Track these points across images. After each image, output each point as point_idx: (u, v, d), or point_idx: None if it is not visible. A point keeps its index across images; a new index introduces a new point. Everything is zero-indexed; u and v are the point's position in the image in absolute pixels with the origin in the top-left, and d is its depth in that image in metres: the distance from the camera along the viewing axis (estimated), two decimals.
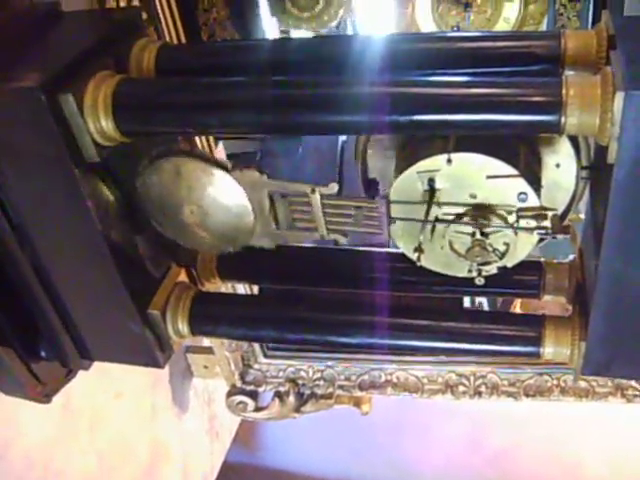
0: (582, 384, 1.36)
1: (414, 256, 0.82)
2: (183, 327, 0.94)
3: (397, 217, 0.82)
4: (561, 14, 1.22)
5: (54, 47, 0.83)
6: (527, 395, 1.39)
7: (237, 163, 0.82)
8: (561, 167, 0.83)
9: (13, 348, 0.96)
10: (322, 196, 0.81)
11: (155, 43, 0.85)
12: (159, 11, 1.07)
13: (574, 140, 0.82)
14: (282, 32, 1.50)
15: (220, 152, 1.27)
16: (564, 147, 0.82)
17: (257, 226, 0.86)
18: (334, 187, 0.80)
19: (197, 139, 1.19)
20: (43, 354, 1.00)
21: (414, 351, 0.92)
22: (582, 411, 1.65)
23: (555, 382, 1.37)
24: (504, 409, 1.78)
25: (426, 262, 0.86)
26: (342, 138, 2.33)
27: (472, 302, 1.65)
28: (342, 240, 0.86)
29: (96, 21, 0.90)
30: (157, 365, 0.97)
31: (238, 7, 1.26)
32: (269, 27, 1.30)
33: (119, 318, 0.93)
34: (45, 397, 1.03)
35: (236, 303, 1.00)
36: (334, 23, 1.31)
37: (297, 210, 0.84)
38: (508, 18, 1.19)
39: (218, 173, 0.83)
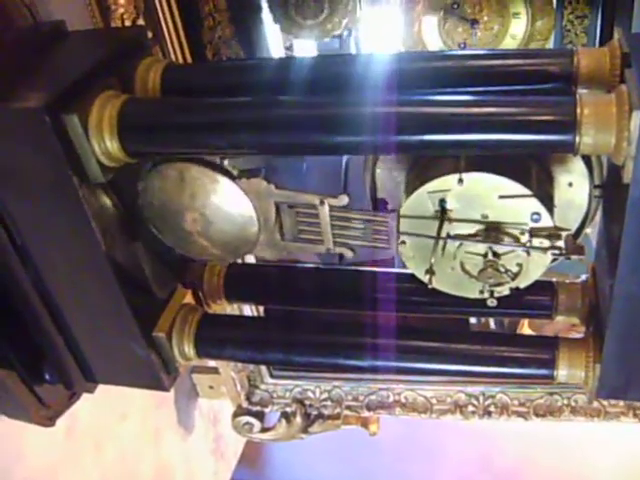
0: (594, 404, 1.33)
1: (425, 278, 0.80)
2: (189, 350, 0.93)
3: (407, 232, 0.80)
4: (568, 30, 1.21)
5: (58, 67, 0.82)
6: (537, 415, 1.36)
7: (244, 171, 0.80)
8: (574, 186, 0.82)
9: (16, 371, 0.95)
10: (331, 208, 0.79)
11: (161, 62, 0.84)
12: (164, 29, 1.07)
13: (587, 159, 0.80)
14: (287, 48, 1.49)
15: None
16: (577, 166, 0.81)
17: (261, 236, 0.84)
18: (344, 199, 0.79)
19: None
20: (47, 377, 0.99)
21: (424, 374, 0.90)
22: (594, 429, 1.63)
23: (566, 402, 1.35)
24: (515, 427, 1.75)
25: (437, 283, 0.85)
26: (347, 155, 2.32)
27: (479, 321, 1.63)
28: (349, 254, 0.84)
29: (101, 40, 0.89)
30: (162, 388, 0.96)
31: (243, 25, 1.25)
32: (274, 44, 1.29)
33: (123, 341, 0.92)
34: (49, 420, 1.02)
35: (243, 326, 0.98)
36: (338, 32, 1.30)
37: (304, 222, 0.82)
38: (515, 35, 1.18)
39: (224, 181, 0.81)
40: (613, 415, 1.33)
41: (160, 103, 0.80)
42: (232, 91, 0.80)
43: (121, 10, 1.01)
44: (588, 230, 0.90)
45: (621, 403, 1.33)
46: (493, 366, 0.86)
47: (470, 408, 1.39)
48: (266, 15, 1.28)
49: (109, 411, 1.27)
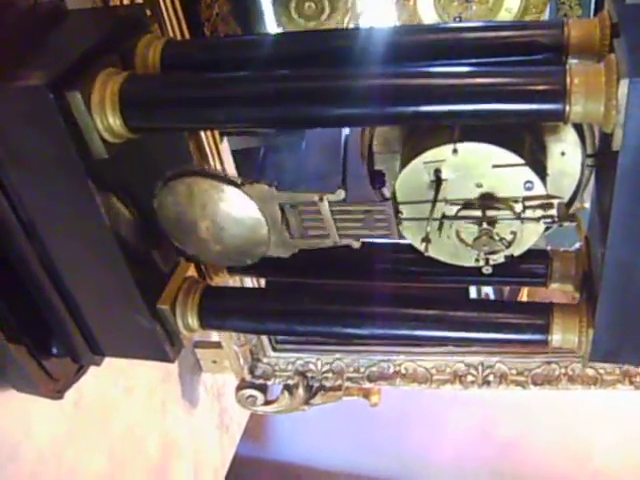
0: (590, 372, 1.36)
1: (422, 247, 0.82)
2: (193, 321, 0.95)
3: (405, 218, 0.82)
4: (563, 2, 1.22)
5: (60, 45, 0.84)
6: (535, 384, 1.39)
7: (247, 178, 0.84)
8: (566, 155, 0.84)
9: (25, 345, 0.97)
10: (330, 203, 0.82)
11: (160, 39, 0.86)
12: (162, 8, 1.08)
13: (579, 128, 0.82)
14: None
15: (225, 148, 1.27)
16: (569, 135, 0.83)
17: (271, 237, 0.88)
18: (341, 193, 0.81)
19: (203, 135, 1.20)
20: (54, 350, 1.01)
21: (422, 341, 0.93)
22: (593, 399, 1.66)
23: (563, 370, 1.37)
24: (514, 399, 1.77)
25: (433, 252, 0.87)
26: (345, 132, 2.34)
27: (479, 293, 1.65)
28: (355, 244, 0.87)
29: (101, 19, 0.90)
30: (167, 360, 0.98)
31: (241, 2, 1.26)
32: (271, 21, 1.30)
33: (129, 313, 0.94)
34: (57, 393, 1.04)
35: (245, 297, 1.01)
36: None
37: (308, 218, 0.86)
38: (510, 8, 1.19)
39: (229, 189, 0.85)
40: (609, 383, 1.36)
41: (160, 79, 0.82)
42: (230, 66, 0.82)
43: None
44: (586, 205, 0.92)
45: (617, 371, 1.35)
46: (489, 332, 0.88)
47: (469, 378, 1.41)
48: None
49: (115, 385, 1.30)
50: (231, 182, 0.84)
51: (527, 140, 0.80)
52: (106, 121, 0.77)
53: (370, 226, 0.83)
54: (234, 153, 1.47)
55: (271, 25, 1.32)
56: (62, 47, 0.83)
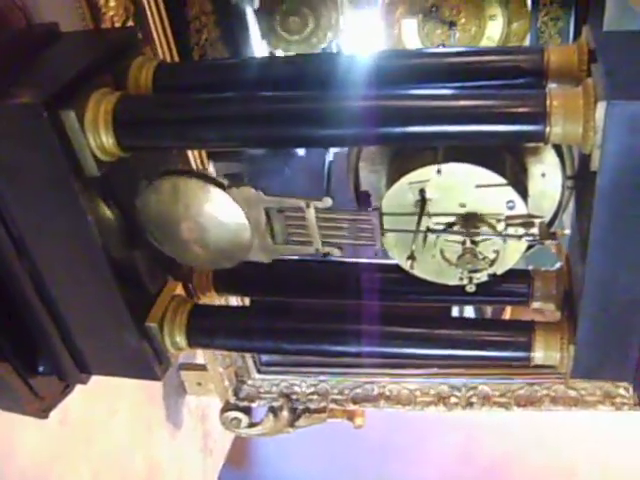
0: (571, 393, 1.38)
1: (407, 264, 0.84)
2: (180, 339, 0.96)
3: (390, 229, 0.84)
4: (543, 32, 1.26)
5: (54, 65, 0.86)
6: (518, 405, 1.41)
7: (234, 181, 0.84)
8: (547, 177, 0.86)
9: (10, 363, 0.96)
10: (317, 210, 0.83)
11: (152, 61, 0.87)
12: (153, 32, 1.10)
13: (559, 150, 0.85)
14: (271, 53, 1.53)
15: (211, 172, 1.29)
16: (549, 157, 0.85)
17: (254, 241, 0.88)
18: (328, 201, 0.83)
19: (191, 158, 1.22)
20: (41, 369, 1.01)
21: (406, 359, 0.94)
22: (574, 419, 1.67)
23: (545, 392, 1.39)
24: (496, 420, 1.79)
25: (418, 271, 0.89)
26: (329, 158, 2.37)
27: (460, 314, 1.67)
28: (336, 253, 0.87)
29: (94, 40, 0.92)
30: (155, 378, 0.99)
31: (229, 28, 1.29)
32: (259, 46, 1.33)
33: (117, 331, 0.94)
34: (43, 412, 1.04)
35: (232, 315, 1.01)
36: (323, 45, 1.35)
37: (293, 225, 0.86)
38: (492, 36, 1.23)
39: (215, 191, 0.85)
40: (591, 404, 1.38)
41: (153, 99, 0.84)
42: (220, 88, 0.84)
43: (111, 13, 1.04)
44: (567, 231, 0.95)
45: (598, 392, 1.37)
46: (472, 350, 0.90)
47: (453, 399, 1.42)
48: (251, 18, 1.32)
49: (100, 406, 1.30)
50: (218, 184, 0.84)
51: (509, 161, 0.82)
52: (99, 139, 0.79)
53: (354, 235, 0.84)
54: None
55: (258, 50, 1.35)
56: (56, 67, 0.85)
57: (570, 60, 0.76)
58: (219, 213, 0.86)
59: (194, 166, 1.22)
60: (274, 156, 2.28)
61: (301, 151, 2.55)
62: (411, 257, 0.82)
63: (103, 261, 0.87)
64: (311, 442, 1.84)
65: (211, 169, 1.35)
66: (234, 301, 1.28)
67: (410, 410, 1.44)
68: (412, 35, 1.24)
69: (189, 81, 0.88)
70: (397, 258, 0.87)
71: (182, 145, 0.82)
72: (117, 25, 1.06)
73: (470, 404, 1.42)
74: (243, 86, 0.84)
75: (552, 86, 0.72)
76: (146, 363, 0.97)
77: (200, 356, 1.55)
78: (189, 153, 1.19)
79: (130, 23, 1.06)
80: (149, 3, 1.07)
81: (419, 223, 0.80)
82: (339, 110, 0.73)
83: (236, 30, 1.31)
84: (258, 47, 1.34)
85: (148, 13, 1.08)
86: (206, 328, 0.97)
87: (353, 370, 1.45)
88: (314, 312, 0.96)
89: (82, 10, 1.06)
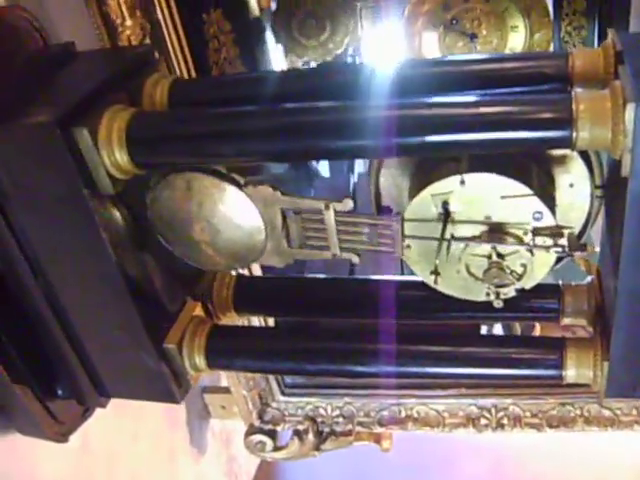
0: (606, 413, 1.33)
1: (431, 279, 0.81)
2: (200, 361, 0.94)
3: (411, 235, 0.81)
4: (566, 42, 1.24)
5: (68, 84, 0.85)
6: (550, 426, 1.36)
7: (250, 179, 0.82)
8: (575, 187, 0.83)
9: (30, 387, 0.96)
10: (336, 212, 0.80)
11: (167, 78, 0.86)
12: (170, 50, 1.09)
13: (587, 159, 0.82)
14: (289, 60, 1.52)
15: None
16: (577, 167, 0.82)
17: (268, 244, 0.85)
18: (348, 203, 0.80)
19: None
20: (60, 392, 1.00)
21: (432, 378, 0.91)
22: (608, 439, 1.62)
23: (578, 412, 1.34)
24: (528, 442, 1.74)
25: (443, 287, 0.86)
26: (353, 179, 2.34)
27: (489, 331, 1.63)
28: (355, 259, 0.84)
29: (109, 58, 0.91)
30: (174, 400, 0.96)
31: (247, 46, 1.28)
32: (278, 63, 1.32)
33: (135, 353, 0.93)
34: (62, 436, 1.03)
35: (253, 336, 0.99)
36: (340, 51, 1.33)
37: (310, 228, 0.83)
38: (514, 48, 1.21)
39: (230, 189, 0.82)
40: (626, 424, 1.33)
41: (166, 115, 0.82)
42: (237, 103, 0.82)
43: (128, 32, 1.04)
44: (597, 248, 0.91)
45: (634, 412, 1.32)
46: (502, 368, 0.86)
47: (483, 421, 1.38)
48: (269, 35, 1.32)
49: (121, 431, 1.28)
50: (234, 181, 0.81)
51: (535, 171, 0.79)
52: (113, 157, 0.78)
53: (373, 241, 0.81)
54: None
55: (277, 68, 1.34)
56: (70, 86, 0.84)
57: (596, 64, 0.73)
58: (234, 213, 0.83)
59: None
60: (299, 177, 2.28)
61: (326, 172, 2.54)
62: (435, 272, 0.80)
63: (119, 280, 0.85)
64: (339, 466, 1.80)
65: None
66: (256, 321, 1.26)
67: (439, 432, 1.40)
68: (433, 47, 1.23)
69: (205, 97, 0.86)
70: (421, 274, 0.84)
71: (197, 161, 0.80)
72: (134, 44, 1.06)
73: (501, 425, 1.37)
74: (258, 100, 0.82)
75: (578, 90, 0.69)
76: (165, 385, 0.95)
77: (224, 379, 1.52)
78: None
79: (147, 42, 1.06)
80: (165, 22, 1.06)
81: (442, 236, 0.77)
82: (357, 121, 0.71)
83: (255, 48, 1.31)
84: (277, 63, 1.33)
85: (165, 31, 1.07)
86: (226, 349, 0.95)
87: (379, 392, 1.41)
88: (336, 332, 0.94)
89: (99, 30, 1.05)
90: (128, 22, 1.03)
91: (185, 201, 0.84)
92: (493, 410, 1.38)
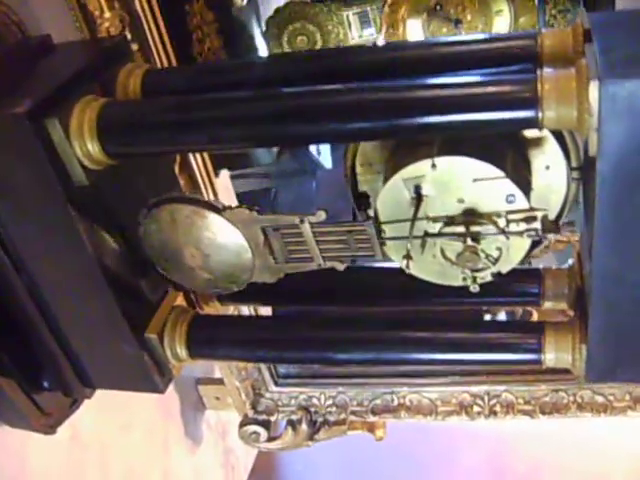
0: (599, 399, 1.32)
1: (403, 264, 0.81)
2: (181, 350, 0.94)
3: (387, 237, 0.81)
4: (552, 25, 1.23)
5: (42, 76, 0.85)
6: (544, 413, 1.35)
7: (227, 205, 0.84)
8: (551, 169, 0.82)
9: (14, 379, 0.96)
10: (311, 225, 0.81)
11: (141, 68, 0.86)
12: (151, 43, 1.09)
13: (562, 141, 0.81)
14: None
15: (219, 183, 1.27)
16: (552, 149, 0.81)
17: (256, 262, 0.87)
18: (321, 215, 0.81)
19: (195, 169, 1.20)
20: (45, 384, 1.00)
21: (415, 364, 0.91)
22: (607, 426, 1.61)
23: (571, 398, 1.34)
24: (526, 430, 1.73)
25: (420, 272, 0.85)
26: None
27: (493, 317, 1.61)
28: (340, 267, 0.85)
29: (83, 50, 0.91)
30: (157, 390, 0.97)
31: (232, 36, 1.28)
32: (263, 53, 1.32)
33: (117, 344, 0.93)
34: (50, 428, 1.03)
35: (234, 325, 0.99)
36: None
37: (291, 242, 0.85)
38: (499, 32, 1.19)
39: (210, 215, 0.84)
40: (620, 410, 1.32)
41: (137, 104, 0.82)
42: (210, 91, 0.82)
43: (107, 24, 1.04)
44: None
45: (627, 397, 1.31)
46: (481, 353, 0.86)
47: (476, 408, 1.38)
48: (254, 26, 1.31)
49: (113, 422, 1.28)
50: (212, 207, 0.83)
51: (509, 154, 0.79)
52: (85, 147, 0.78)
53: (353, 247, 0.82)
54: (244, 195, 1.48)
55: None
56: (43, 78, 0.84)
57: (565, 43, 0.72)
58: (218, 236, 0.86)
59: (200, 177, 1.21)
60: (302, 171, 2.28)
61: (328, 163, 2.54)
62: (407, 256, 0.79)
63: (97, 270, 0.86)
64: (337, 456, 1.80)
65: (220, 179, 1.34)
66: (246, 310, 1.26)
67: (432, 420, 1.39)
68: (417, 34, 1.22)
69: (178, 86, 0.86)
70: (395, 259, 0.84)
71: (167, 150, 0.80)
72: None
73: (494, 412, 1.37)
74: (233, 88, 0.82)
75: (544, 70, 0.68)
76: (147, 375, 0.95)
77: (218, 370, 1.53)
78: (195, 169, 1.19)
79: (127, 33, 1.06)
80: (145, 13, 1.06)
81: (414, 220, 0.77)
82: (324, 105, 0.71)
83: (239, 38, 1.30)
84: (262, 54, 1.32)
85: (144, 23, 1.07)
86: (207, 338, 0.95)
87: (372, 381, 1.41)
88: (314, 320, 0.94)
89: (79, 23, 1.06)
90: (107, 14, 1.03)
91: (172, 232, 0.87)
92: (486, 397, 1.37)
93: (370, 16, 1.25)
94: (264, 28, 1.36)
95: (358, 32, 1.33)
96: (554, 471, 1.79)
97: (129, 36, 1.06)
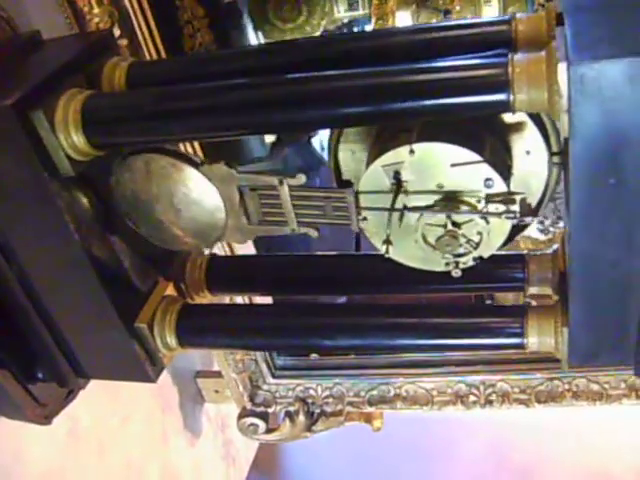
0: (594, 387, 1.32)
1: (383, 249, 0.82)
2: (171, 340, 0.95)
3: (366, 207, 0.81)
4: None
5: (29, 70, 0.87)
6: (539, 402, 1.35)
7: (206, 159, 0.83)
8: (531, 154, 0.83)
9: (9, 370, 0.97)
10: (290, 187, 0.81)
11: (127, 61, 0.88)
12: (141, 38, 1.10)
13: (542, 126, 0.81)
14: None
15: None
16: (532, 134, 0.82)
17: (229, 222, 0.86)
18: (302, 178, 0.81)
19: None
20: (40, 375, 1.02)
21: (395, 350, 0.92)
22: (608, 417, 1.60)
23: (567, 387, 1.34)
24: (527, 421, 1.74)
25: (404, 258, 0.86)
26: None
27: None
28: (314, 234, 0.85)
29: (70, 44, 0.92)
30: (149, 380, 0.98)
31: (223, 31, 1.29)
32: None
33: (108, 334, 0.94)
34: (45, 419, 1.04)
35: (221, 313, 1.00)
36: (317, 34, 1.33)
37: (267, 204, 0.84)
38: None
39: (187, 169, 0.83)
40: (615, 398, 1.32)
41: (120, 96, 0.84)
42: (197, 82, 0.83)
43: (96, 20, 1.05)
44: None
45: (622, 385, 1.31)
46: (463, 338, 0.87)
47: (471, 398, 1.38)
48: (246, 20, 1.32)
49: (112, 414, 1.30)
50: (190, 161, 0.82)
51: (488, 139, 0.79)
52: (70, 139, 0.79)
53: (329, 214, 0.81)
54: None
55: None
56: (30, 71, 0.86)
57: (539, 27, 0.73)
58: (193, 192, 0.85)
59: None
60: (306, 167, 2.29)
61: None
62: (387, 241, 0.80)
63: (86, 261, 0.87)
64: (340, 450, 1.81)
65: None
66: (240, 299, 1.27)
67: (428, 411, 1.40)
68: (406, 24, 1.22)
69: (164, 78, 0.87)
70: (377, 244, 0.85)
71: (151, 140, 0.81)
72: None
73: (489, 402, 1.37)
74: (217, 78, 0.82)
75: (517, 54, 0.69)
76: (139, 365, 0.96)
77: (216, 363, 1.54)
78: None
79: (116, 29, 1.07)
80: (134, 9, 1.07)
81: (393, 205, 0.78)
82: (298, 93, 0.72)
83: (230, 33, 1.32)
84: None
85: (134, 19, 1.08)
86: (196, 327, 0.96)
87: (368, 372, 1.42)
88: (300, 308, 0.95)
89: (70, 19, 1.07)
90: (96, 10, 1.05)
91: (145, 182, 0.86)
92: (481, 387, 1.38)
93: (359, 3, 1.26)
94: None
95: (345, 10, 1.34)
96: (553, 462, 1.79)
97: (118, 32, 1.08)
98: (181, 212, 0.86)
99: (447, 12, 1.21)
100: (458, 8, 1.21)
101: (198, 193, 0.84)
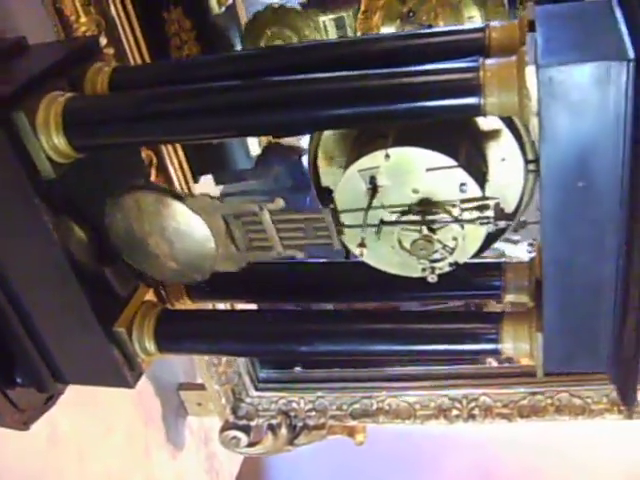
0: (577, 402, 1.32)
1: (357, 252, 0.82)
2: (150, 345, 0.95)
3: (346, 225, 0.83)
4: None
5: (12, 73, 0.88)
6: (522, 416, 1.35)
7: (190, 192, 0.85)
8: (507, 161, 0.84)
9: None
10: (271, 212, 0.83)
11: (110, 66, 0.89)
12: (127, 48, 1.12)
13: (517, 133, 0.82)
14: None
15: (198, 189, 1.29)
16: (507, 141, 0.83)
17: (219, 250, 0.88)
18: (280, 202, 0.82)
19: (174, 176, 1.23)
20: (19, 380, 1.01)
21: (371, 356, 0.92)
22: (591, 432, 1.60)
23: (549, 401, 1.34)
24: (512, 436, 1.73)
25: (381, 264, 0.87)
26: None
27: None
28: (299, 255, 0.87)
29: (55, 49, 0.94)
30: (127, 385, 0.98)
31: (210, 44, 1.31)
32: None
33: (87, 339, 0.94)
34: (23, 424, 1.04)
35: (199, 319, 1.00)
36: None
37: (251, 230, 0.86)
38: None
39: (173, 203, 0.86)
40: (597, 412, 1.32)
41: (101, 99, 0.85)
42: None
43: (83, 28, 1.07)
44: None
45: (604, 399, 1.31)
46: (440, 344, 0.87)
47: (454, 412, 1.38)
48: (233, 33, 1.34)
49: (93, 423, 1.29)
50: (175, 195, 0.85)
51: (463, 145, 0.80)
52: (51, 141, 0.80)
53: (311, 235, 0.83)
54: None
55: None
56: (12, 74, 0.87)
57: (512, 35, 0.74)
58: (181, 225, 0.87)
59: (178, 182, 1.23)
60: (296, 187, 2.29)
61: None
62: (361, 245, 0.81)
63: (64, 263, 0.87)
64: (323, 462, 1.80)
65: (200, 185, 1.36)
66: (222, 306, 1.27)
67: (410, 424, 1.40)
68: None
69: (146, 82, 0.88)
70: (352, 248, 0.85)
71: (131, 141, 0.82)
72: None
73: (472, 416, 1.37)
74: (199, 83, 0.84)
75: (489, 59, 0.70)
76: (117, 370, 0.96)
77: (199, 376, 1.53)
78: (172, 173, 1.21)
79: (103, 38, 1.08)
80: (120, 19, 1.09)
81: (367, 210, 0.79)
82: (274, 97, 0.73)
83: (218, 45, 1.33)
84: None
85: (120, 29, 1.10)
86: (174, 333, 0.97)
87: (351, 385, 1.42)
88: (278, 314, 0.95)
89: (57, 27, 1.09)
90: (83, 19, 1.06)
91: (137, 220, 0.88)
92: (464, 401, 1.38)
93: (346, 22, 1.28)
94: (243, 33, 1.37)
95: (335, 37, 1.35)
96: (537, 477, 1.79)
97: (105, 41, 1.09)
98: (174, 245, 0.89)
99: (430, 27, 1.23)
100: (442, 24, 1.23)
101: (187, 226, 0.87)
